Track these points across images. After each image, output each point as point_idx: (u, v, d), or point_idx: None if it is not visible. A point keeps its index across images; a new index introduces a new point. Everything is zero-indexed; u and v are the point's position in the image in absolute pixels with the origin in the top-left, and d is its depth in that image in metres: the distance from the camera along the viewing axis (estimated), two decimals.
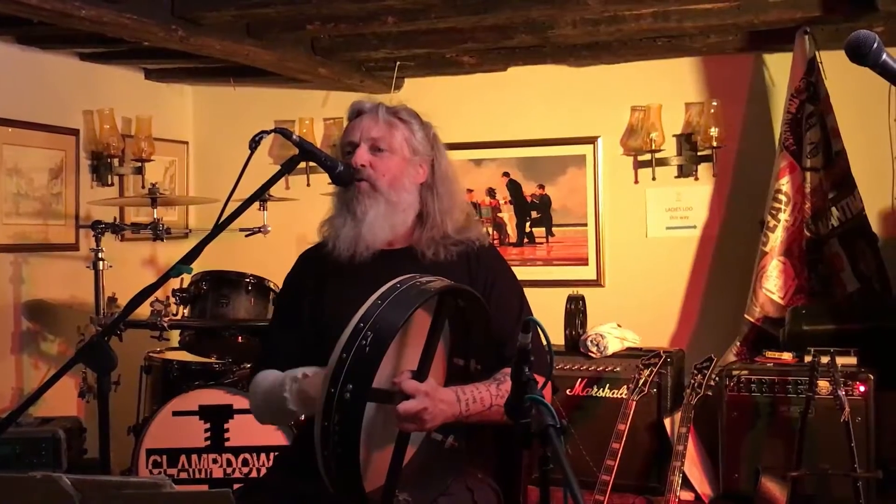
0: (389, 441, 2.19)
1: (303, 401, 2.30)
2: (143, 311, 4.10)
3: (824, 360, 3.63)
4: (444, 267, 2.43)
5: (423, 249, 2.47)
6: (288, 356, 2.48)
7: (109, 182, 5.17)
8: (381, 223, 2.44)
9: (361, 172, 2.44)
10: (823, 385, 3.62)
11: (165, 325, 4.29)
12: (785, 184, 4.39)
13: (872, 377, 3.81)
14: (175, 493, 1.58)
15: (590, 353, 4.37)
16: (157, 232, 4.49)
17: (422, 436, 2.29)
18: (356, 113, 2.54)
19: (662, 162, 4.95)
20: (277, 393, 2.34)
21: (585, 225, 5.15)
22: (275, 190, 4.64)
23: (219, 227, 2.27)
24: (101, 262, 4.40)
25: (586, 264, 5.15)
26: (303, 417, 2.43)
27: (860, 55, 1.50)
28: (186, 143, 5.79)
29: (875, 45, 1.49)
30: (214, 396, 4.11)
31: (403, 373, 2.15)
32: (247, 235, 4.66)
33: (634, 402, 3.93)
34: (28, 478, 1.65)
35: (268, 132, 2.35)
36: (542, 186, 5.24)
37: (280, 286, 2.81)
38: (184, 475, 4.09)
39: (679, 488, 3.71)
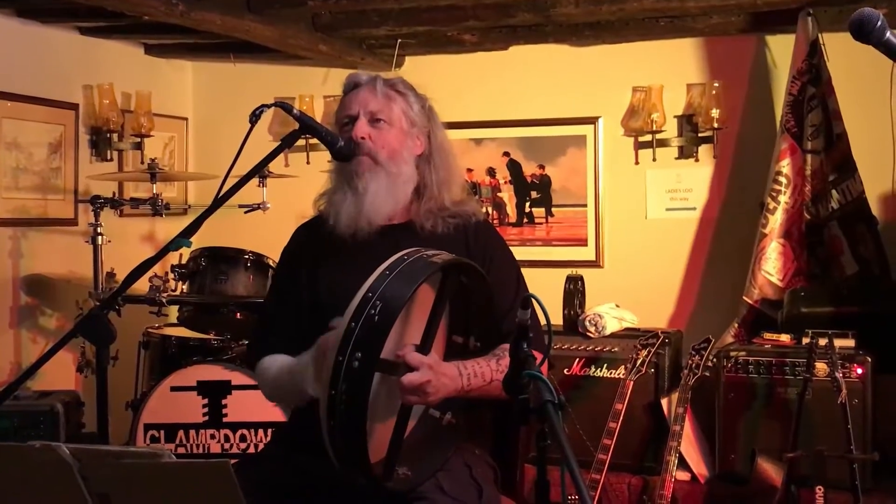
0: (390, 414, 2.19)
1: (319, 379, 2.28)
2: (142, 286, 4.10)
3: (822, 342, 3.63)
4: (442, 240, 2.43)
5: (422, 222, 2.48)
6: (285, 331, 2.48)
7: (108, 157, 5.16)
8: (384, 196, 2.44)
9: (362, 146, 2.43)
10: (821, 367, 3.63)
11: (164, 300, 4.29)
12: (785, 166, 4.38)
13: (870, 360, 3.81)
14: (173, 463, 1.58)
15: (588, 333, 4.37)
16: (156, 207, 4.49)
17: (420, 412, 2.29)
18: (352, 86, 2.54)
19: (663, 143, 4.94)
20: (297, 378, 2.31)
21: (585, 205, 5.14)
22: (274, 167, 4.64)
23: (218, 202, 2.27)
24: (99, 237, 4.40)
25: (586, 245, 5.15)
26: None
27: (864, 33, 1.50)
28: (186, 118, 5.78)
29: (879, 23, 1.49)
30: (213, 372, 4.13)
31: (407, 346, 2.15)
32: (246, 212, 4.66)
33: (632, 382, 3.94)
34: (27, 447, 1.65)
35: (269, 106, 2.34)
36: (542, 166, 5.23)
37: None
38: (181, 450, 4.11)
39: (675, 468, 3.73)
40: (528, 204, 5.28)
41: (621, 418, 3.83)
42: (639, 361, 4.01)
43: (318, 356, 2.20)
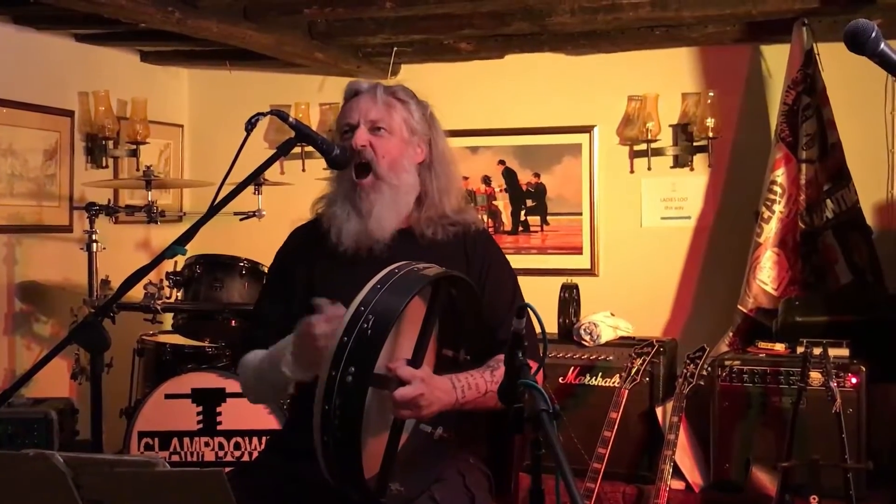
0: (382, 429, 2.18)
1: (299, 363, 2.26)
2: (137, 293, 4.10)
3: (817, 351, 3.64)
4: (442, 247, 2.44)
5: (422, 229, 2.47)
6: (275, 333, 2.47)
7: (104, 164, 5.16)
8: (388, 214, 2.43)
9: (362, 153, 2.43)
10: (815, 376, 3.63)
11: (159, 307, 4.29)
12: (780, 175, 4.39)
13: (864, 369, 3.82)
14: (167, 471, 1.58)
15: (583, 342, 4.38)
16: (152, 215, 4.49)
17: (411, 427, 2.28)
18: (353, 93, 2.52)
19: (658, 152, 4.95)
20: (275, 361, 2.31)
21: (580, 214, 5.15)
22: (270, 174, 4.62)
23: (214, 209, 2.26)
24: (94, 244, 4.39)
25: (581, 253, 5.16)
26: (292, 390, 2.38)
27: (858, 43, 1.50)
28: (181, 126, 5.78)
29: (874, 33, 1.49)
30: (207, 380, 4.12)
31: (398, 360, 2.15)
32: (241, 219, 4.66)
33: (627, 391, 3.95)
34: (21, 455, 1.65)
35: (265, 114, 2.34)
36: (537, 175, 5.23)
37: None
38: (175, 458, 4.10)
39: (670, 477, 3.73)
40: (523, 212, 5.28)
41: (616, 427, 3.83)
42: (633, 370, 4.01)
43: (300, 339, 2.19)
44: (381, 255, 2.27)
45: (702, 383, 3.91)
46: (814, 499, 3.49)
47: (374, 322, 1.95)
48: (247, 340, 2.58)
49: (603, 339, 4.37)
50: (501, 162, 5.29)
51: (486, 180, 5.32)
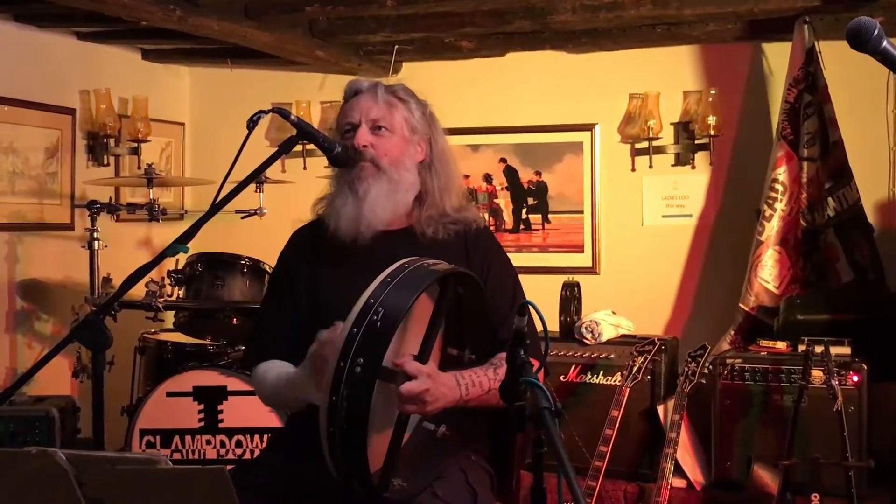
0: (386, 425, 2.18)
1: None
2: (138, 291, 4.09)
3: (818, 349, 3.63)
4: (443, 246, 2.44)
5: (423, 228, 2.48)
6: (282, 335, 2.48)
7: (105, 162, 5.16)
8: (384, 202, 2.44)
9: (364, 153, 2.43)
10: (817, 374, 3.63)
11: (160, 305, 4.29)
12: (781, 173, 4.38)
13: (866, 367, 3.81)
14: (169, 469, 1.58)
15: (584, 340, 4.37)
16: (153, 213, 4.48)
17: (413, 424, 2.29)
18: (353, 92, 2.53)
19: (659, 150, 4.95)
20: (296, 394, 2.32)
21: (582, 212, 5.15)
22: (271, 172, 4.63)
23: (216, 207, 2.26)
24: (96, 243, 4.39)
25: (582, 251, 5.16)
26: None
27: (861, 41, 1.50)
28: (183, 124, 5.78)
29: (876, 31, 1.50)
30: (208, 378, 4.12)
31: (405, 356, 2.15)
32: (242, 217, 4.66)
33: (628, 389, 3.95)
34: (23, 452, 1.65)
35: (266, 112, 2.34)
36: (538, 173, 5.23)
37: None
38: (177, 456, 4.10)
39: (671, 475, 3.72)
40: (524, 210, 5.28)
41: (617, 425, 3.83)
42: (635, 368, 4.01)
43: (315, 367, 2.18)
44: (383, 254, 2.27)
45: (703, 381, 3.90)
46: (815, 497, 3.49)
47: (383, 315, 1.96)
48: (255, 345, 2.60)
49: (604, 338, 4.37)
50: (503, 160, 5.29)
51: (488, 178, 5.32)
